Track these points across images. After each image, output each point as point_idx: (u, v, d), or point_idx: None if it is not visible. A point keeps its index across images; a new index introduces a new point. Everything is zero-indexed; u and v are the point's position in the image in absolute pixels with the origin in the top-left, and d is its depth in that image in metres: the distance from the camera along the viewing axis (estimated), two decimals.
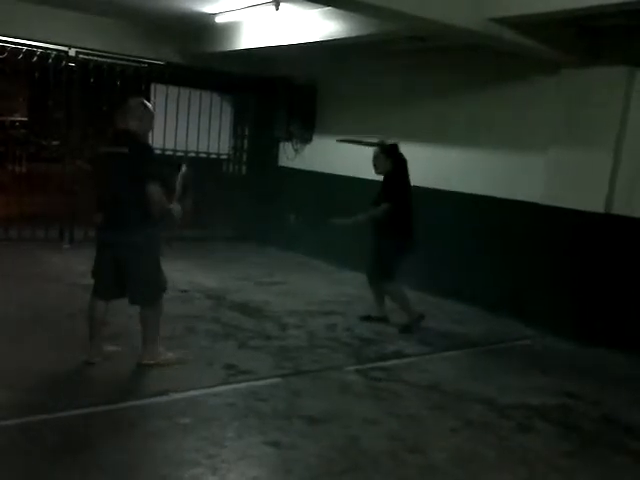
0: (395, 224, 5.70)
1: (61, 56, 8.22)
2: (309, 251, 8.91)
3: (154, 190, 4.15)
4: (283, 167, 9.77)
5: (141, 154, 4.26)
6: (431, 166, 7.37)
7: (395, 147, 5.87)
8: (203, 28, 8.36)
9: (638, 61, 5.72)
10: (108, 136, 4.43)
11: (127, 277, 4.42)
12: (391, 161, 5.80)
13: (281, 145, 9.75)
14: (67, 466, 3.18)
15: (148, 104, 4.47)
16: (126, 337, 5.00)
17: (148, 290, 4.45)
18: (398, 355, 5.33)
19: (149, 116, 4.44)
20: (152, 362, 4.52)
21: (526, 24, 5.26)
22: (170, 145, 9.19)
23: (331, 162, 8.77)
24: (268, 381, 4.49)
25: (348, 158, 8.35)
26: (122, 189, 4.25)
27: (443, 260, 7.23)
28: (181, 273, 7.44)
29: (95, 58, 8.40)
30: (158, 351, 4.59)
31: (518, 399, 4.53)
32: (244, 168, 10.32)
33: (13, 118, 11.38)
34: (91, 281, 6.50)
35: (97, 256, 4.53)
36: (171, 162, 4.93)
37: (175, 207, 4.46)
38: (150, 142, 4.68)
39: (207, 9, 7.55)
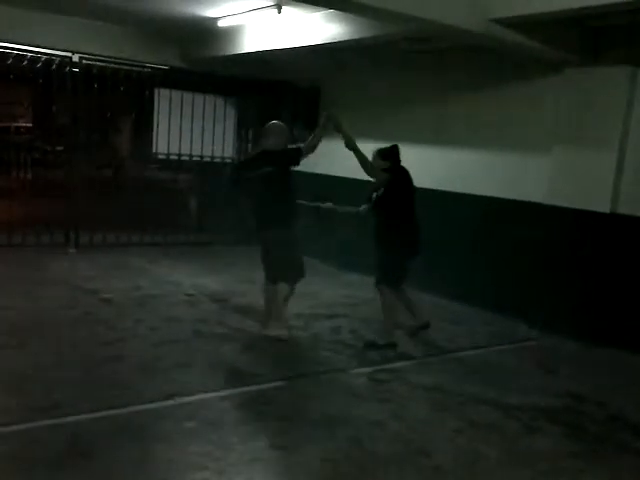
0: (395, 231, 5.40)
1: (65, 62, 8.25)
2: (314, 254, 8.90)
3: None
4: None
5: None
6: (434, 167, 7.37)
7: (393, 150, 5.47)
8: (206, 32, 8.39)
9: None
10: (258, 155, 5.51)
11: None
12: (390, 165, 5.42)
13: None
14: (72, 471, 3.19)
15: (281, 126, 5.46)
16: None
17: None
18: (402, 357, 5.33)
19: (284, 135, 5.45)
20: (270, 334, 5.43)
21: (528, 24, 5.26)
22: (174, 150, 9.22)
23: (335, 165, 8.76)
24: (273, 384, 4.50)
25: (352, 160, 8.34)
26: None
27: (446, 261, 7.21)
28: (187, 277, 7.48)
29: (99, 63, 8.42)
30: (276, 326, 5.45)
31: (523, 400, 4.52)
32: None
33: (18, 124, 11.46)
34: (97, 285, 6.66)
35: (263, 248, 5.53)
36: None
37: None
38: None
39: (209, 13, 7.57)
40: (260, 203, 5.49)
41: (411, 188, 5.50)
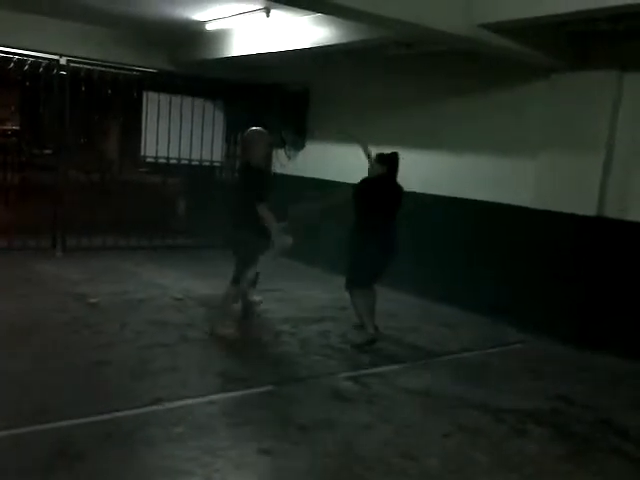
0: (370, 234, 5.47)
1: (52, 65, 8.19)
2: (303, 257, 8.90)
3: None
4: (276, 174, 9.76)
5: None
6: (422, 171, 7.39)
7: (389, 156, 5.58)
8: (194, 36, 8.38)
9: (626, 64, 5.76)
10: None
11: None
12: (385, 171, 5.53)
13: (274, 152, 9.74)
14: (60, 477, 3.16)
15: (258, 135, 5.41)
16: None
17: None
18: (391, 361, 5.33)
19: (260, 145, 5.40)
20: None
21: (515, 29, 5.27)
22: (163, 153, 9.19)
23: (324, 168, 8.78)
24: (262, 389, 4.48)
25: (341, 164, 8.36)
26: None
27: (435, 265, 7.23)
28: (175, 281, 7.44)
29: (86, 66, 8.38)
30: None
31: (511, 403, 4.54)
32: (237, 175, 10.30)
33: (5, 127, 11.36)
34: (85, 289, 6.59)
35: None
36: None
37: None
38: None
39: (198, 17, 7.56)
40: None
41: (393, 195, 5.60)
